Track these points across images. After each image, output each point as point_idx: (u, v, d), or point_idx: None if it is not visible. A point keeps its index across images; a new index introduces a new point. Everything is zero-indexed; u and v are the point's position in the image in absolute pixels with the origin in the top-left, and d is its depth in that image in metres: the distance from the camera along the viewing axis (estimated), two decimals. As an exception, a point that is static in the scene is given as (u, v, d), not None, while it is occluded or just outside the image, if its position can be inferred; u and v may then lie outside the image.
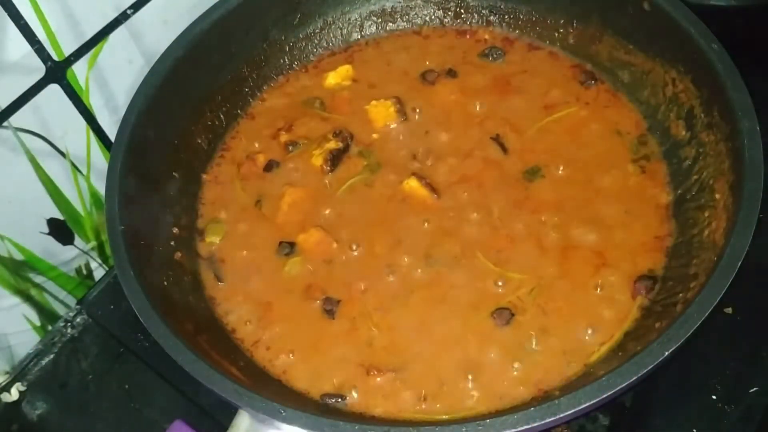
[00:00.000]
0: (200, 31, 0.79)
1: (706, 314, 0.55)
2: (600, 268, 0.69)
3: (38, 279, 0.84)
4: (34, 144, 0.76)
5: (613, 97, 0.81)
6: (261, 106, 0.87)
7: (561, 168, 0.76)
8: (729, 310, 0.72)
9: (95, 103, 0.81)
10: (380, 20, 0.91)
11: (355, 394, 0.66)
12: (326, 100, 0.86)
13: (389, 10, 0.91)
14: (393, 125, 0.83)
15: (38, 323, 0.86)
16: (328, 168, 0.80)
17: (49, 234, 0.83)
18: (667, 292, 0.66)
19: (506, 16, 0.89)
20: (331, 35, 0.91)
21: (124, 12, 0.78)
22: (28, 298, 0.84)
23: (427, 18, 0.92)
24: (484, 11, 0.90)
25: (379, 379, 0.66)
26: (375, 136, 0.82)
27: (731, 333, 0.71)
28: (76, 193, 0.84)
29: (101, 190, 0.82)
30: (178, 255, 0.74)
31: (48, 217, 0.82)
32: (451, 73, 0.86)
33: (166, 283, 0.69)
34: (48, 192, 0.80)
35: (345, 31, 0.91)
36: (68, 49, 0.75)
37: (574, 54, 0.85)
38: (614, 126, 0.79)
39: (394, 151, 0.80)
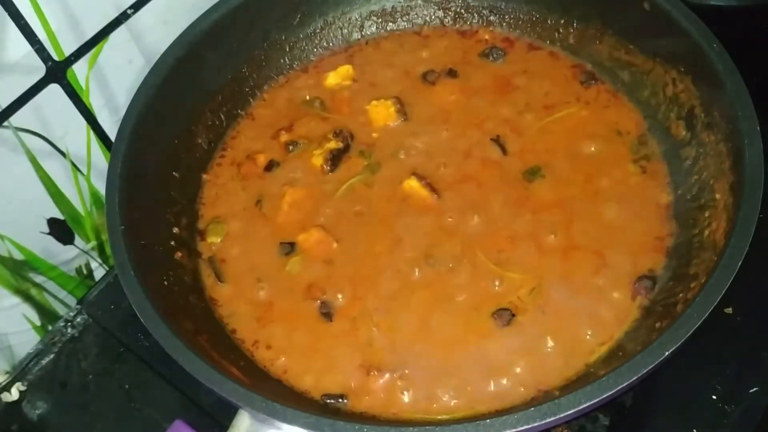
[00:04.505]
0: (200, 31, 0.79)
1: (706, 314, 0.55)
2: (600, 268, 0.69)
3: (38, 279, 0.84)
4: (35, 144, 0.76)
5: (613, 97, 0.81)
6: (261, 106, 0.87)
7: (561, 168, 0.76)
8: (729, 310, 0.72)
9: (95, 103, 0.81)
10: (380, 20, 0.91)
11: (355, 394, 0.66)
12: (326, 100, 0.86)
13: (389, 10, 0.91)
14: (393, 125, 0.83)
15: (38, 323, 0.86)
16: (329, 168, 0.80)
17: (49, 234, 0.83)
18: (667, 292, 0.66)
19: (506, 17, 0.89)
20: (332, 35, 0.91)
21: (125, 12, 0.78)
22: (28, 298, 0.84)
23: (428, 18, 0.92)
24: (484, 11, 0.90)
25: (379, 379, 0.66)
26: (375, 135, 0.82)
27: (731, 333, 0.71)
28: (76, 193, 0.83)
29: (101, 189, 0.82)
30: (178, 255, 0.74)
31: (48, 217, 0.82)
32: (452, 73, 0.86)
33: (166, 283, 0.69)
34: (48, 192, 0.80)
35: (345, 31, 0.91)
36: (68, 49, 0.75)
37: (575, 54, 0.85)
38: (614, 126, 0.79)
39: (394, 151, 0.80)
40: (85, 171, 0.83)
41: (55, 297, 0.87)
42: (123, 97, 0.82)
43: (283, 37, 0.88)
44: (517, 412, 0.53)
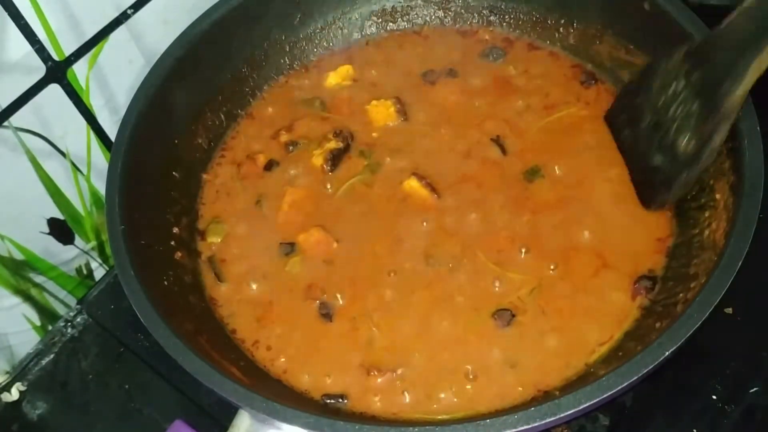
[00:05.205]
0: (200, 31, 0.79)
1: (706, 314, 0.55)
2: (600, 268, 0.69)
3: (38, 279, 0.84)
4: (35, 144, 0.76)
5: (613, 97, 0.81)
6: (261, 106, 0.87)
7: (561, 168, 0.76)
8: (729, 310, 0.72)
9: (95, 103, 0.81)
10: (381, 20, 0.91)
11: (355, 394, 0.66)
12: (326, 100, 0.86)
13: (390, 9, 0.91)
14: (393, 125, 0.83)
15: (38, 323, 0.86)
16: (329, 168, 0.80)
17: (49, 234, 0.83)
18: (667, 292, 0.66)
19: (507, 16, 0.89)
20: (332, 35, 0.91)
21: (125, 12, 0.78)
22: (28, 298, 0.84)
23: (428, 18, 0.92)
24: (484, 11, 0.90)
25: (379, 379, 0.66)
26: (375, 135, 0.82)
27: (731, 333, 0.71)
28: (76, 193, 0.83)
29: (101, 189, 0.82)
30: (178, 255, 0.74)
31: (48, 217, 0.82)
32: (452, 73, 0.86)
33: (166, 283, 0.69)
34: (48, 192, 0.80)
35: (345, 31, 0.91)
36: (69, 49, 0.75)
37: (575, 54, 0.85)
38: (614, 126, 0.79)
39: (394, 150, 0.80)
40: (85, 171, 0.83)
41: (55, 297, 0.87)
42: (123, 97, 0.82)
43: (283, 37, 0.88)
44: (517, 412, 0.53)
